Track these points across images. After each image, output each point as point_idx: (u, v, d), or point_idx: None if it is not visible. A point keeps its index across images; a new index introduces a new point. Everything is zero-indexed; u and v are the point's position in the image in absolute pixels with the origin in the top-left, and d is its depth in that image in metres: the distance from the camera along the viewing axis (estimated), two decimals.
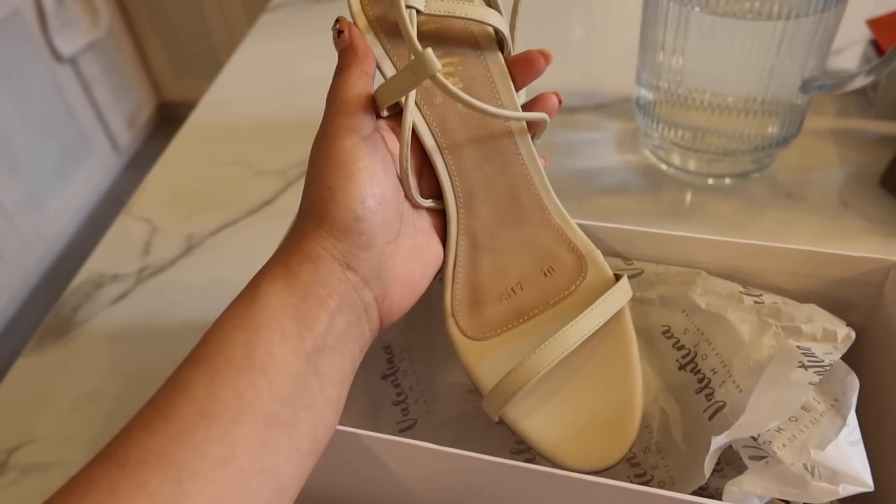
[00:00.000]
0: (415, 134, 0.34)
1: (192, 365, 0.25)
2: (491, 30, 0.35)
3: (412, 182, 0.33)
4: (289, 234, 0.30)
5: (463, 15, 0.32)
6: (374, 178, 0.29)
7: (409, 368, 0.39)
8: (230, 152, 0.69)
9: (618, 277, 0.35)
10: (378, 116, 0.32)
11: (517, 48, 0.36)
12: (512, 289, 0.34)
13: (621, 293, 0.34)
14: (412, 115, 0.32)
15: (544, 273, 0.35)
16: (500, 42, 0.35)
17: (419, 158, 0.35)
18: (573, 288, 0.34)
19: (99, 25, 1.79)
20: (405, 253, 0.31)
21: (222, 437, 0.24)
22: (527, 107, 0.35)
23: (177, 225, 0.61)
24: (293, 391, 0.26)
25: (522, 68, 0.35)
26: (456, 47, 0.35)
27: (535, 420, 0.32)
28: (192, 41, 2.00)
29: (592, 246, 0.35)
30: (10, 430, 0.47)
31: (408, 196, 0.33)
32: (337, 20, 0.33)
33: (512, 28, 0.35)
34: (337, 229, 0.28)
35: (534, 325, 0.34)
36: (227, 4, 1.90)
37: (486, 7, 0.34)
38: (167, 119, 2.14)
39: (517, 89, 0.35)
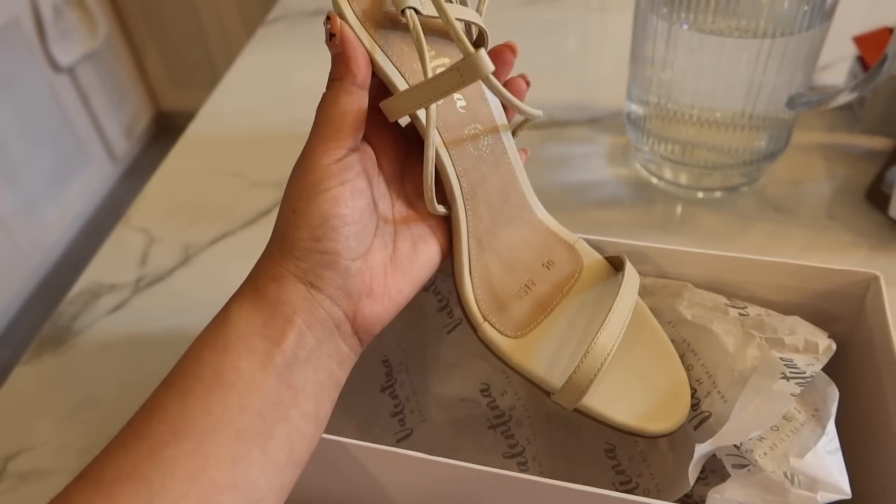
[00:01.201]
0: (396, 143, 0.34)
1: (166, 386, 0.27)
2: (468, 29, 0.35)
3: (432, 196, 0.33)
4: (260, 257, 0.31)
5: (458, 16, 0.32)
6: (338, 199, 0.29)
7: (405, 380, 0.40)
8: (227, 164, 0.70)
9: (610, 261, 0.37)
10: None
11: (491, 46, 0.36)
12: (525, 285, 0.35)
13: (634, 273, 0.35)
14: (435, 130, 0.31)
15: (546, 266, 0.36)
16: (479, 42, 0.35)
17: (402, 164, 0.35)
18: (577, 276, 0.36)
19: (97, 36, 1.80)
20: (378, 267, 0.31)
21: (193, 453, 0.25)
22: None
23: (174, 235, 0.62)
24: (264, 405, 0.26)
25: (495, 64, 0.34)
26: (441, 45, 0.34)
27: (607, 401, 0.33)
28: (190, 51, 2.01)
29: (575, 236, 0.37)
30: (8, 438, 0.47)
31: (431, 210, 0.33)
32: (327, 17, 0.30)
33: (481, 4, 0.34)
34: (297, 249, 0.29)
35: (559, 313, 0.35)
36: (224, 15, 1.91)
37: (469, 8, 0.33)
38: (164, 129, 2.15)
39: None
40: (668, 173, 0.61)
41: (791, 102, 0.53)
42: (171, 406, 0.26)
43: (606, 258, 0.37)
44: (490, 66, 0.28)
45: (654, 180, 0.62)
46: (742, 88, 0.52)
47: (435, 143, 0.31)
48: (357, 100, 0.30)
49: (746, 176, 0.60)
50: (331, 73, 0.31)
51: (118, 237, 0.62)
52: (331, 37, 0.30)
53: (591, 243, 0.39)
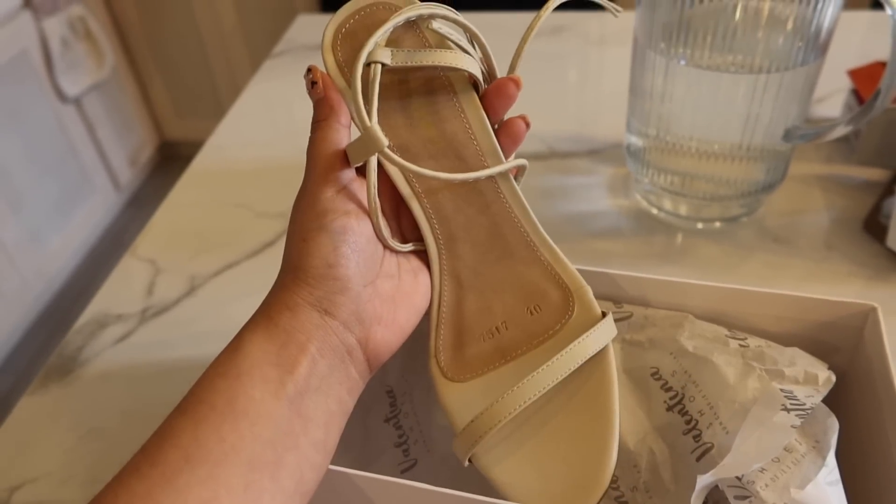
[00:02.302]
0: (391, 181, 0.35)
1: (179, 413, 0.27)
2: (464, 72, 0.35)
3: (385, 231, 0.33)
4: (272, 288, 0.31)
5: (433, 63, 0.33)
6: (346, 227, 0.31)
7: (410, 410, 0.40)
8: (233, 195, 0.71)
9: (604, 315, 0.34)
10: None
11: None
12: (496, 328, 0.34)
13: (603, 332, 0.33)
14: (375, 173, 0.32)
15: (530, 311, 0.35)
16: (476, 82, 0.35)
17: (398, 202, 0.36)
18: (558, 327, 0.34)
19: (104, 67, 1.83)
20: (386, 294, 0.32)
21: (205, 480, 0.25)
22: (497, 134, 0.35)
23: (180, 266, 0.62)
24: (276, 433, 0.27)
25: (494, 97, 0.35)
26: (429, 93, 0.35)
27: (506, 467, 0.32)
28: (195, 82, 2.04)
29: (583, 282, 0.35)
30: (13, 469, 0.47)
31: (384, 244, 0.33)
32: (309, 69, 0.33)
33: (516, 57, 0.35)
34: (311, 277, 0.30)
35: (515, 365, 0.34)
36: (229, 46, 1.94)
37: (455, 51, 0.34)
38: (168, 158, 2.17)
39: (495, 121, 0.35)
40: (667, 204, 0.62)
41: (787, 135, 0.54)
42: (184, 433, 0.26)
43: (603, 312, 0.35)
44: (381, 143, 0.30)
45: (654, 211, 0.63)
46: (739, 122, 0.53)
47: (375, 195, 0.32)
48: (345, 136, 0.33)
49: (745, 207, 0.61)
50: (315, 117, 0.33)
51: (125, 267, 0.63)
52: (312, 85, 0.33)
53: (589, 276, 0.39)
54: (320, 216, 0.31)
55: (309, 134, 0.33)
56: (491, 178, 0.35)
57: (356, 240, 0.31)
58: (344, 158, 0.32)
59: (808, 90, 0.53)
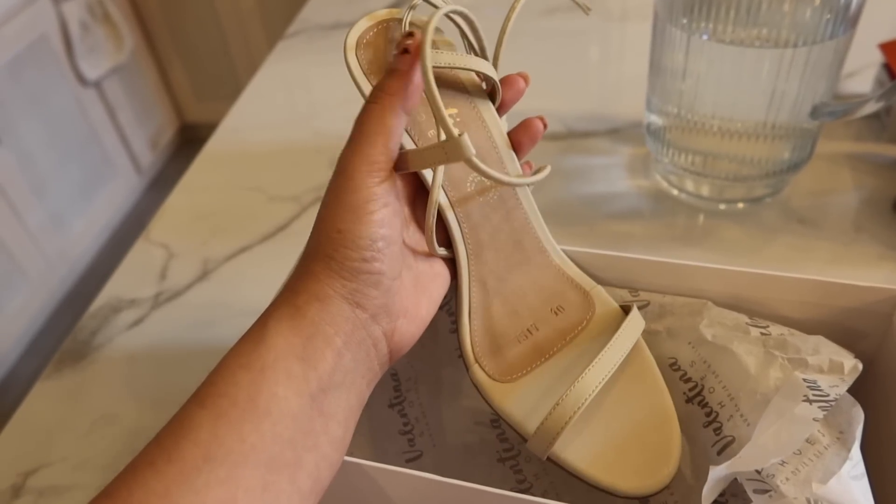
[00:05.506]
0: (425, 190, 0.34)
1: (198, 405, 0.26)
2: (474, 76, 0.35)
3: (434, 241, 0.34)
4: (295, 274, 0.30)
5: (464, 66, 0.33)
6: (383, 221, 0.29)
7: (415, 399, 0.40)
8: (246, 178, 0.70)
9: (624, 309, 0.36)
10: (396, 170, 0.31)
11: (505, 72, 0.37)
12: (528, 329, 0.35)
13: (637, 322, 0.35)
14: (439, 191, 0.32)
15: (554, 312, 0.36)
16: (487, 88, 0.36)
17: (415, 205, 0.35)
18: (585, 323, 0.35)
19: (123, 50, 1.83)
20: (409, 286, 0.32)
21: (224, 481, 0.24)
22: (512, 132, 0.36)
23: (193, 250, 0.62)
24: (296, 433, 0.26)
25: (504, 90, 0.35)
26: (450, 95, 0.35)
27: (581, 452, 0.32)
28: (214, 64, 2.03)
29: (593, 282, 0.36)
30: (27, 454, 0.48)
31: (433, 253, 0.34)
32: (411, 33, 0.31)
33: (496, 57, 0.35)
34: (346, 270, 0.29)
35: (556, 361, 0.35)
36: (248, 28, 1.94)
37: (478, 57, 0.35)
38: (189, 141, 2.17)
39: (502, 113, 0.36)
40: (689, 185, 0.60)
41: (815, 113, 0.52)
42: (202, 428, 0.25)
43: (621, 306, 0.36)
44: (470, 150, 0.28)
45: (675, 192, 0.61)
46: (764, 98, 0.51)
47: (434, 212, 0.32)
48: (401, 122, 0.30)
49: (770, 187, 0.59)
50: (381, 84, 0.30)
51: (138, 252, 0.63)
52: (403, 52, 0.30)
53: (605, 260, 0.38)
54: (360, 206, 0.29)
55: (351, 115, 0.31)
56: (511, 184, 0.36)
57: (391, 234, 0.30)
58: (395, 146, 0.30)
59: (836, 65, 0.51)
